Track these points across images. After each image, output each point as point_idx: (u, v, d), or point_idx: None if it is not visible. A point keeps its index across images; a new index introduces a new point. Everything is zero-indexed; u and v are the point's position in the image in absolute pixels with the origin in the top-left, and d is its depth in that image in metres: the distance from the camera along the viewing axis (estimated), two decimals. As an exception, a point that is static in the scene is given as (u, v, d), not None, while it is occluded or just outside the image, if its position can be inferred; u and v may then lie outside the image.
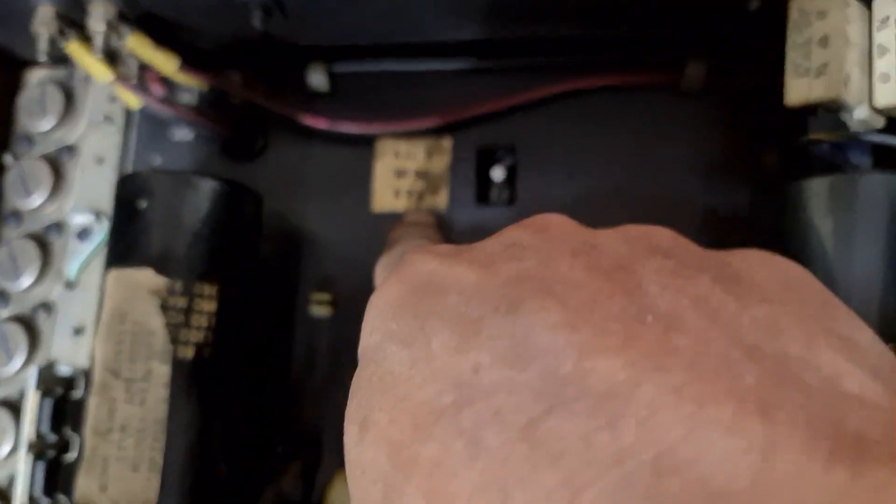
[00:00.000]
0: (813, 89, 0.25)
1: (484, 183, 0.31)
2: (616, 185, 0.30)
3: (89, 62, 0.28)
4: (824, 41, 0.25)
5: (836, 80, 0.25)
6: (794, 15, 0.26)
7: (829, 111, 0.26)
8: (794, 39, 0.26)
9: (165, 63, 0.29)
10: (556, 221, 0.15)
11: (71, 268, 0.31)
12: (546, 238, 0.14)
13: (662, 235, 0.14)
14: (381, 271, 0.24)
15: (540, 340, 0.12)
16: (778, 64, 0.29)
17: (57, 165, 0.32)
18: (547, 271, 0.13)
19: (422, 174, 0.31)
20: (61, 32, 0.28)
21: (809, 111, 0.26)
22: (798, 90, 0.25)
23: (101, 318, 0.25)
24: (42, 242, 0.32)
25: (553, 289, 0.12)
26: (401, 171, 0.31)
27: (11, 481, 0.30)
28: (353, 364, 0.30)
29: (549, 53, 0.31)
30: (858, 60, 0.25)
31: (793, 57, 0.26)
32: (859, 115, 0.26)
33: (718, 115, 0.30)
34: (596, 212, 0.30)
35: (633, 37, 0.30)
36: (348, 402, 0.15)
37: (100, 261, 0.31)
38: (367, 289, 0.30)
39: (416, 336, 0.14)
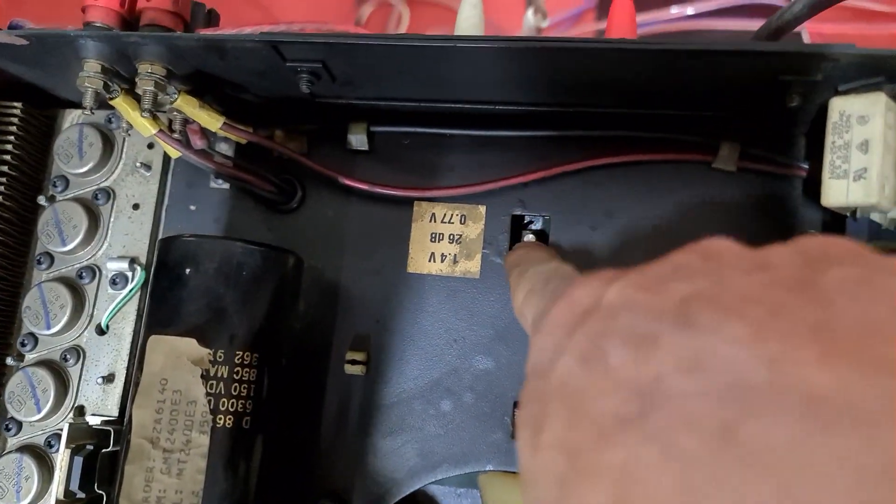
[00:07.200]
0: (851, 193, 0.25)
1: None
2: (645, 252, 0.31)
3: (134, 117, 0.28)
4: (864, 146, 0.26)
5: (875, 185, 0.25)
6: (833, 117, 0.26)
7: (864, 212, 0.27)
8: (832, 141, 0.26)
9: (210, 121, 0.29)
10: (725, 246, 0.15)
11: (103, 314, 0.31)
12: (717, 265, 0.14)
13: (840, 245, 0.14)
14: (525, 295, 0.22)
15: (724, 352, 0.12)
16: (811, 155, 0.30)
17: (92, 209, 0.32)
18: (721, 290, 0.13)
19: (457, 238, 0.31)
20: (106, 86, 0.28)
21: (845, 210, 0.27)
22: (836, 193, 0.26)
23: (140, 382, 0.25)
24: (73, 286, 0.31)
25: (729, 305, 0.12)
26: (436, 235, 0.31)
27: (34, 528, 0.30)
28: (384, 423, 0.31)
29: (586, 126, 0.31)
30: (895, 164, 0.26)
31: (831, 158, 0.26)
32: (893, 214, 0.27)
33: (749, 195, 0.31)
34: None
35: (672, 117, 0.30)
36: (519, 412, 0.16)
37: (132, 307, 0.32)
38: (400, 349, 0.31)
39: (591, 353, 0.14)
